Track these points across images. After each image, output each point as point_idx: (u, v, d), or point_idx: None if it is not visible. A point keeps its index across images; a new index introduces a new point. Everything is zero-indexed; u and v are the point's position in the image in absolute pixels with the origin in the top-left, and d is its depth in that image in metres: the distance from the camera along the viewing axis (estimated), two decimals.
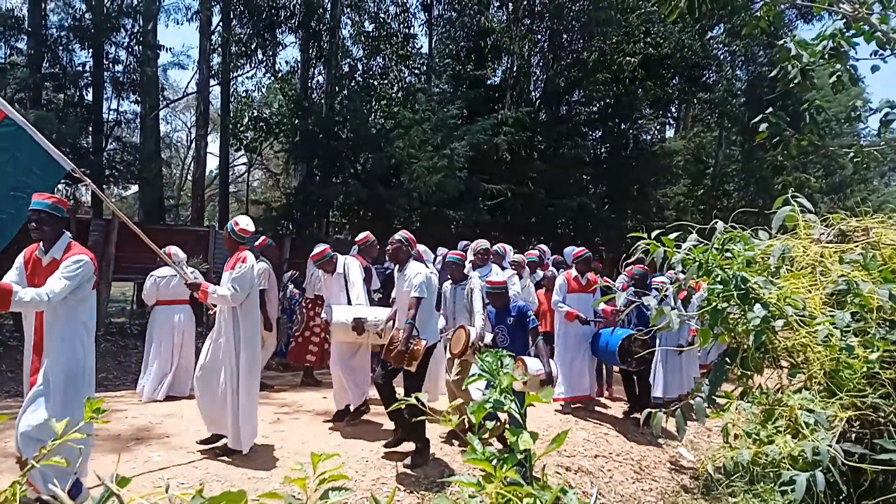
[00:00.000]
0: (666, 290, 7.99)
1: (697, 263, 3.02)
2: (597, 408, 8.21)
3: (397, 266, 5.96)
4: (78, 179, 12.68)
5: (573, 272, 7.75)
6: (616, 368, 8.51)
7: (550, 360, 5.56)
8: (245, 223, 5.50)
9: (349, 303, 6.54)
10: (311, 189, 15.02)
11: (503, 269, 8.21)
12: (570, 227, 19.23)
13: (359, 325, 6.10)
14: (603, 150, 21.62)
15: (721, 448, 2.68)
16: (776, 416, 2.56)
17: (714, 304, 2.85)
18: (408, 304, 5.64)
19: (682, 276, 8.35)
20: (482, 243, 7.89)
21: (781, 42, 6.46)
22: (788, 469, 2.36)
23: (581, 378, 7.74)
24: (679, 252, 3.01)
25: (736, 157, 25.35)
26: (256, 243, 8.20)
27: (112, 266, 11.70)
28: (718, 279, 2.82)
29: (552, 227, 18.52)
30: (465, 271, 7.19)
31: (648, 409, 3.05)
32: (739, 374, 2.93)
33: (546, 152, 18.38)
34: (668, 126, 26.41)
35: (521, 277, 8.32)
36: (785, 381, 2.83)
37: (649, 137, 23.57)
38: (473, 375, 1.42)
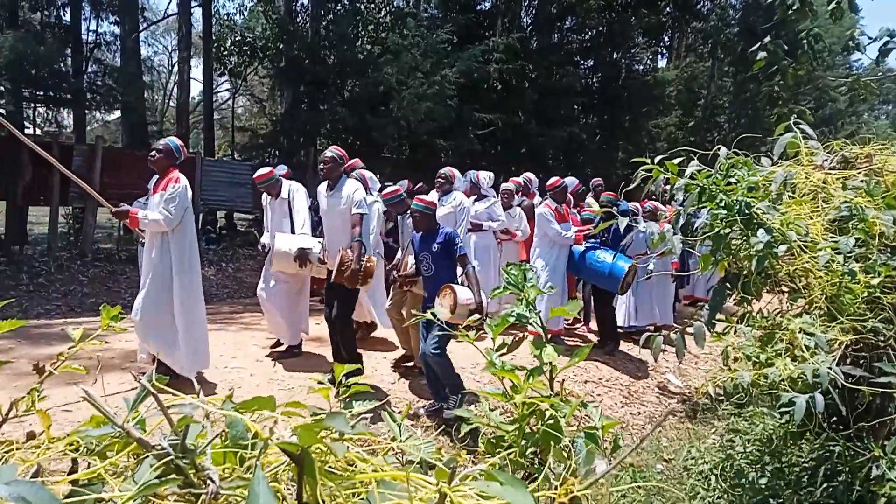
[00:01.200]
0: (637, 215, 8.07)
1: (700, 189, 2.99)
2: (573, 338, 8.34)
3: (328, 183, 5.67)
4: (60, 103, 12.30)
5: (551, 203, 7.55)
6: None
7: (481, 289, 5.14)
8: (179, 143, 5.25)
9: (293, 231, 6.19)
10: (298, 116, 14.74)
11: (482, 197, 8.18)
12: (560, 157, 19.08)
13: (302, 256, 5.75)
14: (595, 80, 21.26)
15: (720, 370, 2.71)
16: (776, 340, 2.58)
17: (717, 229, 2.83)
18: (350, 221, 5.43)
19: (647, 205, 8.25)
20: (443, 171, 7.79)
21: None
22: (787, 391, 2.38)
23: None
24: (682, 179, 2.97)
25: (728, 89, 25.09)
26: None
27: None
28: (722, 205, 2.79)
29: (543, 157, 18.36)
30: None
31: (647, 333, 3.06)
32: (739, 298, 2.93)
33: (537, 81, 18.03)
34: (660, 56, 25.98)
35: (509, 206, 8.23)
36: (786, 305, 2.85)
37: (641, 67, 23.20)
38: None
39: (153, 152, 5.11)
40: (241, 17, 19.71)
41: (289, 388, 5.68)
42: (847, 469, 2.62)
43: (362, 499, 0.73)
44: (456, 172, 7.89)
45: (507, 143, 17.26)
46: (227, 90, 27.71)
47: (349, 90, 15.27)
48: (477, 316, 2.09)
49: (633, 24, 20.25)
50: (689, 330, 2.93)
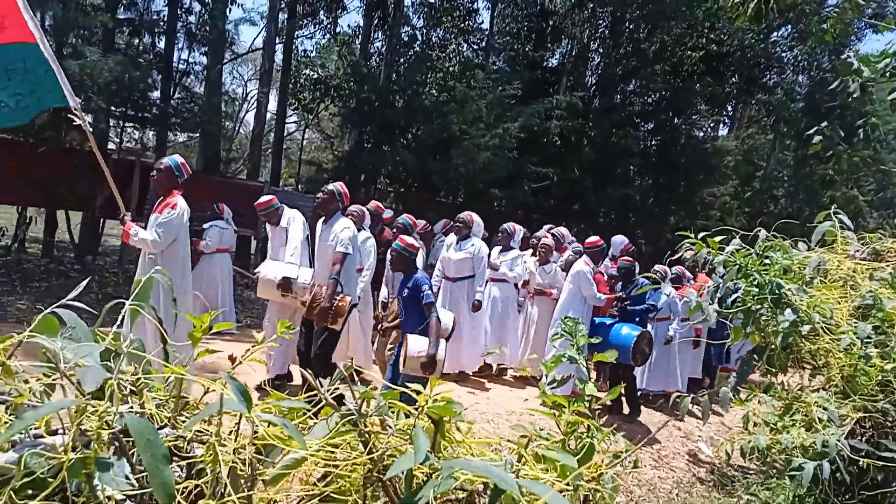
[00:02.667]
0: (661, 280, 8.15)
1: (737, 266, 3.29)
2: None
3: (323, 218, 5.70)
4: (146, 124, 13.06)
5: (590, 261, 7.49)
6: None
7: (443, 340, 5.05)
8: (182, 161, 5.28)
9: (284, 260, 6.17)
10: (362, 154, 15.40)
11: (510, 248, 8.27)
12: (611, 217, 19.30)
13: (285, 284, 5.69)
14: (653, 143, 21.51)
15: (740, 434, 2.98)
16: (794, 411, 2.85)
17: (749, 304, 3.12)
18: (332, 258, 5.42)
19: (674, 269, 8.25)
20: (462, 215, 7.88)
21: (844, 55, 6.58)
22: (799, 457, 2.65)
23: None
24: (722, 255, 3.28)
25: (788, 163, 25.02)
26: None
27: None
28: (755, 283, 3.09)
29: (595, 215, 18.62)
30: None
31: (678, 393, 3.35)
32: (765, 370, 3.20)
33: (596, 140, 18.41)
34: (721, 124, 26.13)
35: (546, 262, 8.22)
36: (805, 380, 3.11)
37: (702, 134, 23.36)
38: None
39: (154, 171, 5.21)
40: (318, 55, 20.74)
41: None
42: None
43: (467, 451, 1.09)
44: (475, 217, 7.91)
45: (560, 199, 17.59)
46: (292, 122, 28.97)
47: (413, 134, 15.89)
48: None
49: (696, 91, 20.48)
50: (717, 395, 3.21)
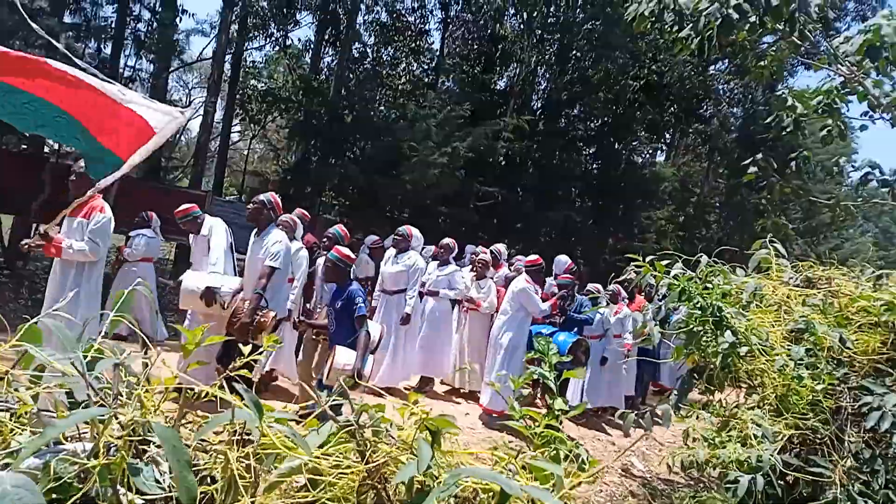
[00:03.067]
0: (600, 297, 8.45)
1: (680, 289, 3.47)
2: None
3: (256, 230, 5.63)
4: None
5: (531, 281, 7.53)
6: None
7: (371, 355, 5.02)
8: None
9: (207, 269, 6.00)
10: (309, 167, 15.37)
11: (448, 263, 8.29)
12: (552, 236, 19.71)
13: (208, 295, 5.40)
14: (595, 167, 22.13)
15: (679, 449, 3.14)
16: (730, 427, 3.02)
17: (691, 326, 3.30)
18: (259, 271, 5.30)
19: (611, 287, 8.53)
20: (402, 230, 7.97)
21: (778, 90, 6.96)
22: (735, 471, 2.82)
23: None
24: (667, 278, 3.46)
25: (720, 190, 26.08)
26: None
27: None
28: (698, 306, 3.28)
29: (537, 234, 18.99)
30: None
31: (622, 410, 3.50)
32: (703, 388, 3.39)
33: (540, 162, 18.84)
34: (659, 152, 27.04)
35: (482, 276, 8.30)
36: (742, 399, 3.30)
37: (641, 160, 24.15)
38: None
39: (73, 176, 4.96)
40: (266, 66, 20.61)
41: None
42: None
43: (458, 461, 1.17)
44: (414, 232, 8.00)
45: (504, 218, 17.89)
46: (238, 131, 28.63)
47: (361, 149, 15.96)
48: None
49: (637, 119, 21.22)
50: (658, 411, 3.37)
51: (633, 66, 20.15)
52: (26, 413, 1.10)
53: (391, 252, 7.96)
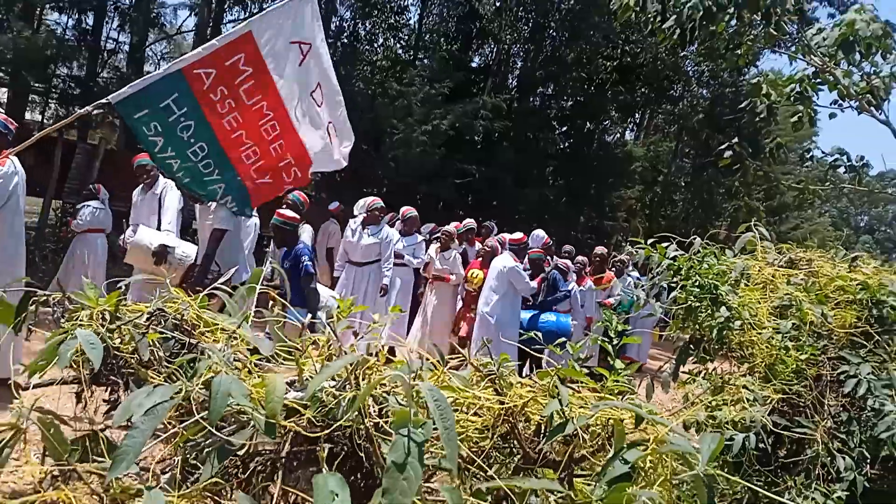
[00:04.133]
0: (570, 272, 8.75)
1: (678, 268, 3.84)
2: None
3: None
4: (70, 102, 12.58)
5: (516, 258, 7.77)
6: None
7: (316, 311, 4.95)
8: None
9: (158, 229, 5.81)
10: None
11: (411, 234, 8.44)
12: (526, 214, 20.06)
13: (161, 253, 5.16)
14: (568, 146, 22.50)
15: (681, 411, 3.51)
16: (725, 392, 3.40)
17: (689, 302, 3.67)
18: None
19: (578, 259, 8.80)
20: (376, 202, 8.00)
21: (747, 76, 7.32)
22: (730, 430, 3.20)
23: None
24: (666, 259, 3.82)
25: (687, 170, 26.72)
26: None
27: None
28: (697, 284, 3.64)
29: (512, 212, 19.33)
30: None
31: None
32: (699, 358, 3.77)
33: (516, 140, 19.11)
34: (629, 131, 27.53)
35: (447, 249, 8.49)
36: (734, 368, 3.69)
37: (612, 140, 24.59)
38: None
39: None
40: None
41: None
42: (764, 498, 3.44)
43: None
44: (367, 201, 8.03)
45: (481, 195, 18.16)
46: None
47: None
48: None
49: (609, 99, 21.59)
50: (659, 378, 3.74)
51: (606, 47, 20.49)
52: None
53: (356, 224, 7.91)
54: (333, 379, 1.23)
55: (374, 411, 1.21)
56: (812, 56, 6.68)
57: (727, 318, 3.46)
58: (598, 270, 9.59)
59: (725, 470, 3.72)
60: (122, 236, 6.34)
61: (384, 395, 1.24)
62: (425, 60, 18.26)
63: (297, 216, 5.66)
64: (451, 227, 8.86)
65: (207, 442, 1.14)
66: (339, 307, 1.51)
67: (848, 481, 3.10)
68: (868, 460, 3.23)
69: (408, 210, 8.71)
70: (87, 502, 1.10)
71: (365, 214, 7.79)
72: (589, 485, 1.38)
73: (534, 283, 7.78)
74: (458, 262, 8.48)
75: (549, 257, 8.93)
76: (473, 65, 20.21)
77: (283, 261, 5.24)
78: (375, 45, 19.38)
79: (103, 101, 4.53)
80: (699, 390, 3.54)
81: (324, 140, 5.13)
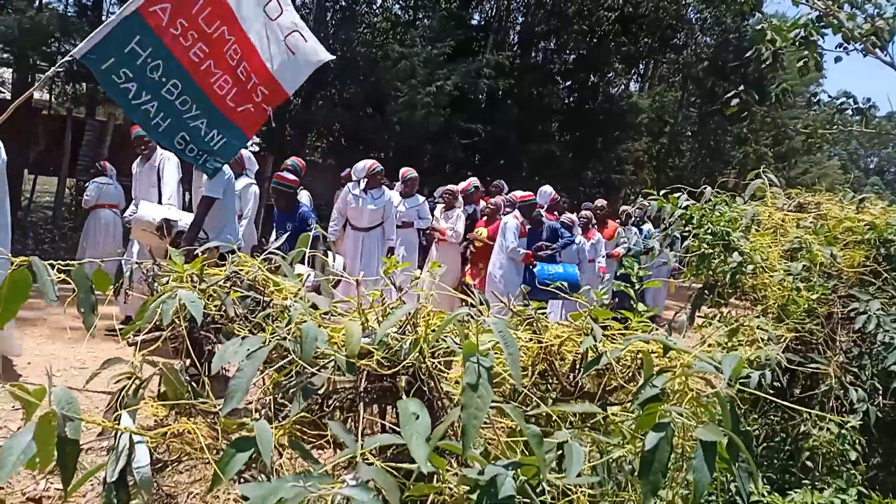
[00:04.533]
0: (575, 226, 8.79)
1: (690, 217, 3.96)
2: None
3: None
4: (77, 79, 12.62)
5: (519, 215, 7.76)
6: None
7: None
8: None
9: (160, 202, 5.74)
10: (293, 110, 15.45)
11: (454, 207, 8.57)
12: (532, 171, 20.05)
13: (166, 227, 5.05)
14: (572, 101, 22.36)
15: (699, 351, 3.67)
16: (740, 333, 3.55)
17: (703, 250, 3.80)
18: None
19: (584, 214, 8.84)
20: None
21: (749, 22, 7.30)
22: (746, 369, 3.35)
23: None
24: (680, 209, 3.94)
25: (693, 119, 26.58)
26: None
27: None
28: (709, 232, 3.76)
29: (519, 169, 19.33)
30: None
31: None
32: (713, 302, 3.91)
33: (520, 97, 19.01)
34: (634, 82, 27.30)
35: (451, 208, 8.63)
36: (748, 310, 3.83)
37: (617, 92, 24.40)
38: None
39: None
40: None
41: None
42: (782, 431, 3.61)
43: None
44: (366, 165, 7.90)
45: (486, 154, 18.17)
46: None
47: (345, 90, 16.02)
48: None
49: (612, 51, 21.37)
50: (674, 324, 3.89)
51: None
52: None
53: (357, 190, 7.77)
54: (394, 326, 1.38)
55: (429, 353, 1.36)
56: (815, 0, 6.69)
57: (740, 263, 3.59)
58: (600, 223, 9.69)
59: (744, 407, 3.91)
60: (125, 213, 6.29)
61: (442, 337, 1.38)
62: (425, 20, 18.10)
63: (296, 179, 5.64)
64: (454, 186, 8.94)
65: (293, 382, 1.30)
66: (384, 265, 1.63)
67: (861, 412, 3.26)
68: (880, 391, 3.39)
69: (407, 171, 8.64)
70: (206, 433, 1.26)
71: (366, 178, 7.67)
72: (622, 413, 1.53)
73: (512, 244, 7.62)
74: (462, 220, 8.53)
75: (556, 213, 9.05)
76: (473, 22, 20.00)
77: (284, 223, 5.19)
78: (374, 6, 19.20)
79: (66, 58, 4.47)
80: (715, 333, 3.69)
81: (285, 55, 4.84)
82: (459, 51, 17.08)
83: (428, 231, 8.72)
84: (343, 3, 18.34)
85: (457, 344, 1.34)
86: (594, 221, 9.48)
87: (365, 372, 1.31)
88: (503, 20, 19.51)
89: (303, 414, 1.26)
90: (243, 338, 1.26)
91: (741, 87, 8.19)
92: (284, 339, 1.28)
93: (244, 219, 6.53)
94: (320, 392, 1.31)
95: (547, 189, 9.53)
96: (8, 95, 13.60)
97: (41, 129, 11.56)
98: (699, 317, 3.92)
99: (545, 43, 21.34)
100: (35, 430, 1.00)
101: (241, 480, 1.20)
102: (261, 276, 1.60)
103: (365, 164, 7.77)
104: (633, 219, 10.10)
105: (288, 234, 5.02)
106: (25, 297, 1.28)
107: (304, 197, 8.11)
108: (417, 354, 1.31)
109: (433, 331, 1.37)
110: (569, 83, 22.48)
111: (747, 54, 8.40)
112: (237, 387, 1.14)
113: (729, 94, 8.09)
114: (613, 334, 1.66)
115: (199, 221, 4.86)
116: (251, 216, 6.76)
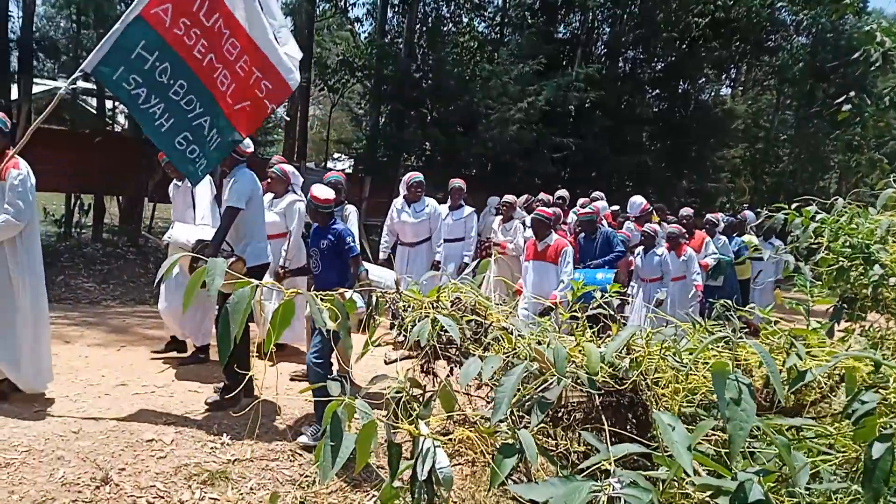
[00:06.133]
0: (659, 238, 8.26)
1: (827, 230, 3.93)
2: None
3: (222, 171, 5.31)
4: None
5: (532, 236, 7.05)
6: None
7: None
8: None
9: (194, 223, 5.67)
10: (390, 133, 15.92)
11: (511, 219, 8.39)
12: (626, 183, 19.83)
13: (201, 248, 4.91)
14: (662, 109, 22.01)
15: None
16: (884, 346, 3.50)
17: (840, 263, 3.77)
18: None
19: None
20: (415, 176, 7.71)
21: (867, 28, 7.07)
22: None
23: None
24: (813, 222, 3.92)
25: (790, 123, 25.61)
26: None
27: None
28: (847, 244, 3.73)
29: (611, 181, 19.15)
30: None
31: None
32: (851, 316, 3.86)
33: (609, 108, 18.88)
34: (726, 88, 26.61)
35: (509, 220, 8.45)
36: (891, 323, 3.77)
37: (709, 98, 23.86)
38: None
39: None
40: (331, 33, 21.07)
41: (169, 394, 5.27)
42: None
43: None
44: (406, 177, 7.78)
45: (578, 167, 18.11)
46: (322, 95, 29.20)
47: (438, 110, 16.37)
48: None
49: (703, 57, 20.93)
50: None
51: (696, 4, 19.86)
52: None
53: (399, 204, 7.62)
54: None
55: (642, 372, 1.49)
56: None
57: (881, 276, 3.54)
58: (687, 232, 9.01)
59: None
60: (163, 237, 6.11)
61: (660, 356, 1.51)
62: (513, 37, 18.30)
63: (330, 198, 5.17)
64: (511, 198, 8.69)
65: (529, 397, 1.46)
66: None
67: None
68: None
69: (411, 175, 7.93)
70: (477, 439, 1.43)
71: (405, 193, 7.52)
72: (820, 425, 1.61)
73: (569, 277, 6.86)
74: (520, 232, 8.27)
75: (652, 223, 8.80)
76: (560, 36, 20.03)
77: (316, 238, 4.93)
78: (460, 26, 19.52)
79: (77, 73, 4.54)
80: (857, 346, 3.64)
81: (278, 50, 4.84)
82: (548, 65, 17.14)
83: (486, 244, 8.59)
84: (430, 24, 18.76)
85: (678, 361, 1.47)
86: (686, 235, 8.74)
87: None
88: (590, 32, 19.46)
89: (543, 425, 1.41)
90: (483, 357, 1.42)
91: (852, 93, 7.91)
92: (516, 355, 1.44)
93: (290, 236, 6.24)
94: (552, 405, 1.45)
95: (637, 199, 9.41)
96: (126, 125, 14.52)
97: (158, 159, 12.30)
98: (839, 331, 3.88)
99: (633, 52, 21.14)
100: (359, 436, 1.19)
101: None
102: (478, 302, 1.77)
103: (406, 178, 7.67)
104: (718, 226, 9.60)
105: (321, 252, 4.88)
106: (287, 323, 1.48)
107: (351, 213, 7.67)
108: (638, 372, 1.44)
109: (655, 351, 1.50)
110: (658, 91, 22.17)
111: (855, 55, 8.14)
112: (501, 399, 1.30)
113: (839, 100, 7.82)
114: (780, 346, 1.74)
115: (223, 233, 4.80)
116: (297, 232, 6.45)
